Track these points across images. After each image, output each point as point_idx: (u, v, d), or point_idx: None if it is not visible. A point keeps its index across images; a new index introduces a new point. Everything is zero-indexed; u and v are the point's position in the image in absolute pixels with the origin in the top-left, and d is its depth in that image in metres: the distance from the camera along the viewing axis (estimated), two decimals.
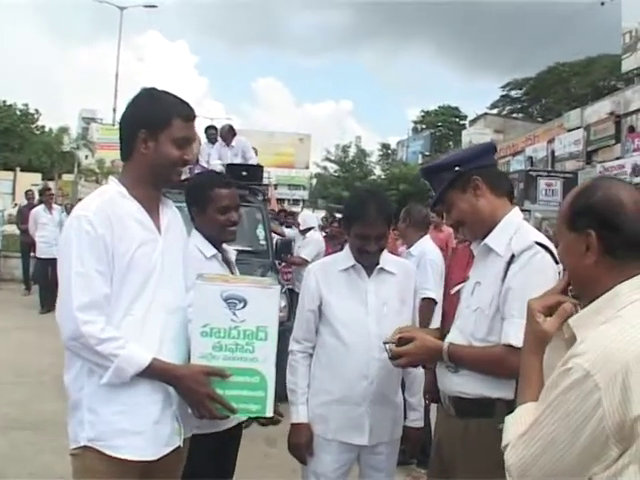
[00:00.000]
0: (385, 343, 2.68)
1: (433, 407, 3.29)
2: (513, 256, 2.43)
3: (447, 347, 2.51)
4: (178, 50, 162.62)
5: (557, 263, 2.35)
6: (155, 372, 2.28)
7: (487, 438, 2.32)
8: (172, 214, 2.55)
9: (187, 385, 2.29)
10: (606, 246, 1.65)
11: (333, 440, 3.05)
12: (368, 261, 3.07)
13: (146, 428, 2.30)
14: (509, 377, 2.28)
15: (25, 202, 14.99)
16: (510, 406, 1.90)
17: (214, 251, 3.11)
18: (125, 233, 2.30)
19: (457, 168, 2.56)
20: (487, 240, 2.55)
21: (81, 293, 2.22)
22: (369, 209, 2.99)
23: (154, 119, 2.35)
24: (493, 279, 2.48)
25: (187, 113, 2.42)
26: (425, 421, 3.36)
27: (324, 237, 10.07)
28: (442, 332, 2.81)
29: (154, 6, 41.65)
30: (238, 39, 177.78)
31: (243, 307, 2.29)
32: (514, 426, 1.71)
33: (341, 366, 3.02)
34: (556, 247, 1.97)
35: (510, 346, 2.33)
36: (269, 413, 2.35)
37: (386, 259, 3.14)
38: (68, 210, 13.22)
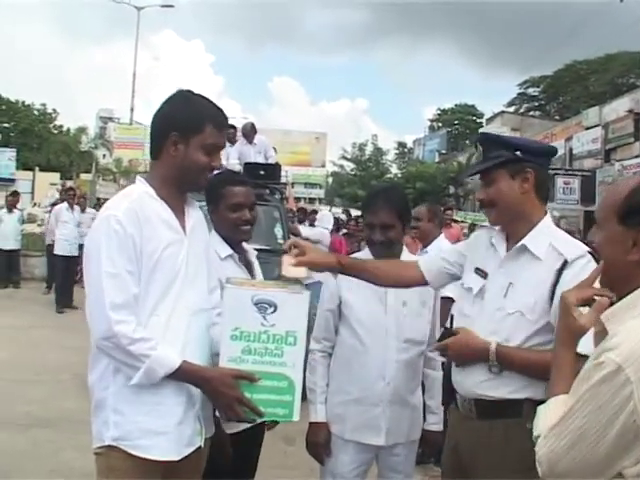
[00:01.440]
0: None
1: None
2: (566, 262, 2.37)
3: (495, 347, 2.42)
4: (194, 49, 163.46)
5: None
6: (185, 374, 2.29)
7: (515, 437, 2.31)
8: (197, 215, 2.54)
9: (216, 388, 2.28)
10: None
11: (350, 440, 3.05)
12: (378, 253, 3.05)
13: (170, 429, 2.31)
14: None
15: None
16: (538, 405, 1.88)
17: (229, 251, 3.07)
18: (153, 233, 2.30)
19: (518, 152, 2.50)
20: (525, 241, 2.49)
21: (113, 293, 2.21)
22: (375, 198, 3.09)
23: (187, 123, 2.34)
24: (535, 283, 2.41)
25: (220, 120, 2.40)
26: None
27: (343, 235, 10.07)
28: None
29: (171, 6, 41.91)
30: (254, 38, 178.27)
31: (273, 312, 2.28)
32: (546, 418, 1.71)
33: (359, 366, 3.02)
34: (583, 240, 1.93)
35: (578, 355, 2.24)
36: (296, 417, 2.34)
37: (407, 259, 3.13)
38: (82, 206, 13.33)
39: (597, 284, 1.83)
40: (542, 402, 2.35)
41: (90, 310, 2.27)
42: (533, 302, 2.40)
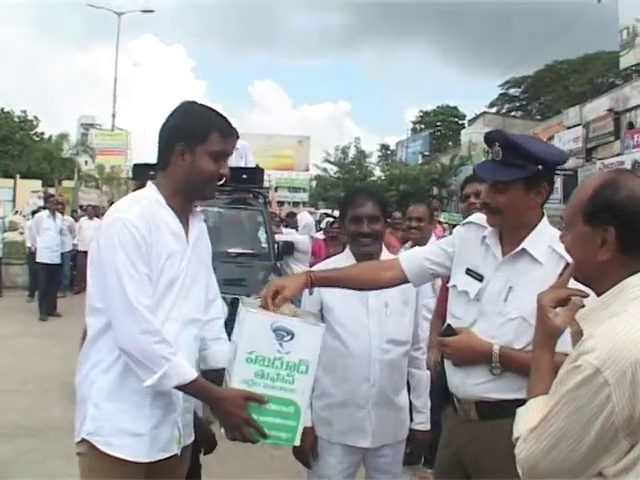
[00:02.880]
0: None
1: None
2: (567, 265, 2.21)
3: (499, 349, 2.41)
4: (175, 54, 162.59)
5: None
6: (196, 389, 2.32)
7: None
8: (200, 226, 2.57)
9: (226, 408, 2.30)
10: (623, 244, 1.65)
11: (337, 443, 3.05)
12: (364, 247, 3.07)
13: (145, 431, 2.34)
14: None
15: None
16: None
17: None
18: (160, 241, 2.34)
19: (540, 167, 2.41)
20: (525, 245, 2.45)
21: (140, 294, 2.25)
22: (359, 193, 3.17)
23: (192, 132, 2.37)
24: (536, 287, 2.24)
25: (225, 128, 2.43)
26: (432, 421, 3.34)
27: (325, 239, 10.06)
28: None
29: (151, 11, 41.81)
30: (235, 42, 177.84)
31: (290, 339, 2.32)
32: (525, 419, 1.72)
33: (343, 369, 3.02)
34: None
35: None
36: (297, 442, 2.39)
37: (387, 258, 3.14)
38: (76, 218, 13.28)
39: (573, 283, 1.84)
40: None
41: (117, 311, 2.27)
42: (535, 307, 2.36)
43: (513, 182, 2.43)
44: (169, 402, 2.38)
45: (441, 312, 3.67)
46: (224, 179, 2.47)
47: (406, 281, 2.74)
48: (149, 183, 2.49)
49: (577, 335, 1.70)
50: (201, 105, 2.48)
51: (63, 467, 4.72)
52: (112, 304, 2.29)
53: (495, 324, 2.47)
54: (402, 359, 3.13)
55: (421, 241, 5.32)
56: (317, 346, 2.38)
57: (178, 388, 2.30)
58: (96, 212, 15.89)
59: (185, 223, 2.48)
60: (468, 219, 2.75)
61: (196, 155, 2.37)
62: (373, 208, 3.06)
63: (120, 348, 2.28)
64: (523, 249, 2.47)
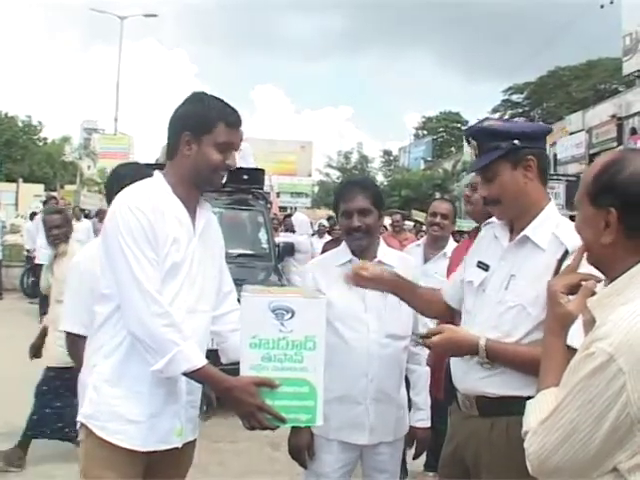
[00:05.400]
0: (414, 334, 2.63)
1: None
2: (567, 252, 2.18)
3: (485, 342, 2.34)
4: (177, 58, 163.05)
5: None
6: (204, 377, 2.30)
7: (516, 435, 2.25)
8: (209, 216, 2.58)
9: (237, 396, 2.27)
10: (626, 226, 1.58)
11: (334, 440, 3.00)
12: (356, 242, 3.03)
13: (142, 419, 2.32)
14: None
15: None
16: None
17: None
18: (165, 228, 2.34)
19: (516, 141, 2.39)
20: (527, 232, 2.41)
21: (149, 280, 2.27)
22: (350, 187, 3.12)
23: (198, 122, 2.40)
24: (537, 275, 2.29)
25: (232, 119, 2.45)
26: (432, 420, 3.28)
27: (330, 241, 10.04)
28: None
29: (154, 15, 41.74)
30: (235, 47, 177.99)
31: (291, 317, 2.29)
32: (535, 412, 1.66)
33: (341, 364, 2.96)
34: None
35: (569, 347, 1.97)
36: (319, 422, 2.36)
37: (385, 252, 3.13)
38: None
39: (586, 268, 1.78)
40: None
41: (127, 292, 2.28)
42: (535, 295, 2.30)
43: (496, 166, 2.42)
44: (169, 391, 2.36)
45: None
46: (231, 169, 2.47)
47: (453, 313, 2.77)
48: (156, 172, 2.50)
49: (589, 324, 1.63)
50: (210, 96, 2.50)
51: (59, 468, 4.73)
52: (122, 287, 2.29)
53: (495, 313, 2.42)
54: (401, 354, 3.09)
55: (441, 240, 5.21)
56: (321, 319, 2.34)
57: (187, 375, 2.27)
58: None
59: (192, 213, 2.48)
60: (488, 220, 2.75)
61: (202, 145, 2.40)
62: (364, 201, 3.02)
63: (130, 331, 2.28)
64: (525, 236, 2.42)
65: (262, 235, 8.19)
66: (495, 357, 2.35)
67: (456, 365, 2.55)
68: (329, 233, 12.04)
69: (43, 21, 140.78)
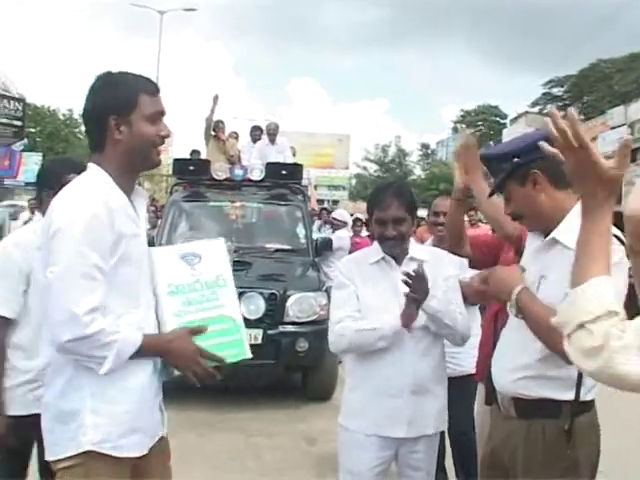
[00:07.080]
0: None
1: None
2: None
3: (520, 289, 2.38)
4: (214, 50, 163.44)
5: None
6: (149, 347, 2.24)
7: (551, 439, 2.27)
8: (143, 204, 2.49)
9: (178, 346, 2.29)
10: None
11: (372, 435, 3.01)
12: (390, 249, 3.05)
13: (145, 424, 2.29)
14: (557, 352, 2.11)
15: None
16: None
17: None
18: (119, 225, 2.23)
19: (516, 159, 2.44)
20: (555, 234, 2.42)
21: (88, 294, 2.11)
22: (384, 194, 3.08)
23: (121, 102, 2.27)
24: (566, 275, 2.26)
25: (151, 87, 2.35)
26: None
27: (367, 236, 10.03)
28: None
29: (193, 9, 41.97)
30: (272, 39, 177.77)
31: (199, 262, 2.44)
32: (594, 299, 1.43)
33: (377, 359, 2.99)
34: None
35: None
36: (248, 354, 2.44)
37: (416, 248, 3.17)
38: None
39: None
40: (581, 404, 2.23)
41: (55, 308, 2.13)
42: (563, 294, 2.29)
43: (507, 186, 2.51)
44: (157, 387, 2.36)
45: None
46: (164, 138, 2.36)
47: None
48: (90, 165, 2.35)
49: None
50: (118, 73, 2.37)
51: None
52: (53, 300, 2.13)
53: None
54: (438, 345, 3.09)
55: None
56: (224, 257, 2.52)
57: (135, 355, 2.19)
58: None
59: (131, 202, 2.36)
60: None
61: (132, 123, 2.27)
62: (398, 210, 3.01)
63: (61, 351, 2.16)
64: (553, 238, 2.44)
65: (300, 230, 8.19)
66: (522, 308, 2.39)
67: (496, 365, 2.57)
68: (366, 227, 11.95)
69: (84, 16, 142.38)
